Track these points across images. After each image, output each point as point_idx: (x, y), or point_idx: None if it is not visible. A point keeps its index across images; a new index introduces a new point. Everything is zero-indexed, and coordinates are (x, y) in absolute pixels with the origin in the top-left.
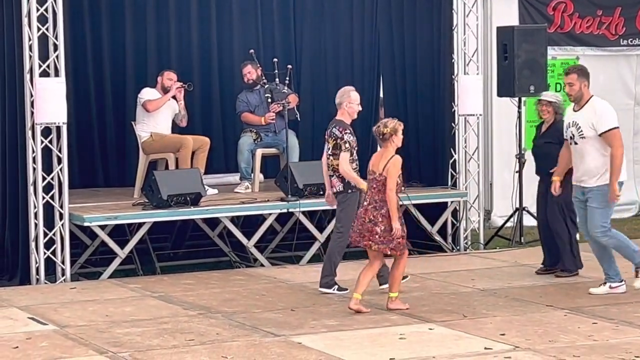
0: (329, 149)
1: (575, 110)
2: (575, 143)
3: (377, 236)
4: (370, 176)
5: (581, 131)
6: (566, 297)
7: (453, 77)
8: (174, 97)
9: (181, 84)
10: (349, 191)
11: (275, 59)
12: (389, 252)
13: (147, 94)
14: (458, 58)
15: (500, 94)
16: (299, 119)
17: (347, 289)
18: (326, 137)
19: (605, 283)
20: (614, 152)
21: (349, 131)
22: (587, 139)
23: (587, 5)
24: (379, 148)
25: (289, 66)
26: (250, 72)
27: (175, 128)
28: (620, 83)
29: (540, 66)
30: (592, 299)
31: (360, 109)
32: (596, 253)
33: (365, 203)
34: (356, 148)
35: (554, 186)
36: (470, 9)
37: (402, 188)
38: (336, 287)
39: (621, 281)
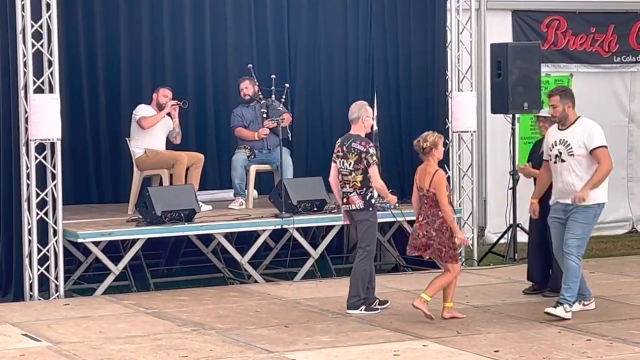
0: (349, 164)
1: (560, 129)
2: (562, 160)
3: (435, 250)
4: (420, 192)
5: (570, 149)
6: None
7: (447, 94)
8: (168, 114)
9: (176, 101)
10: (370, 209)
11: (274, 76)
12: (446, 262)
13: (143, 110)
14: (452, 75)
15: (494, 111)
16: (290, 138)
17: (378, 310)
18: (340, 152)
19: (578, 302)
20: (601, 167)
21: (372, 144)
22: (576, 157)
23: (581, 22)
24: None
25: (287, 85)
26: (247, 87)
27: (170, 144)
28: (614, 100)
29: (533, 83)
30: (586, 316)
31: (373, 122)
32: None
33: (419, 218)
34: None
35: (534, 209)
36: (464, 26)
37: (396, 205)
38: (363, 307)
39: (592, 298)
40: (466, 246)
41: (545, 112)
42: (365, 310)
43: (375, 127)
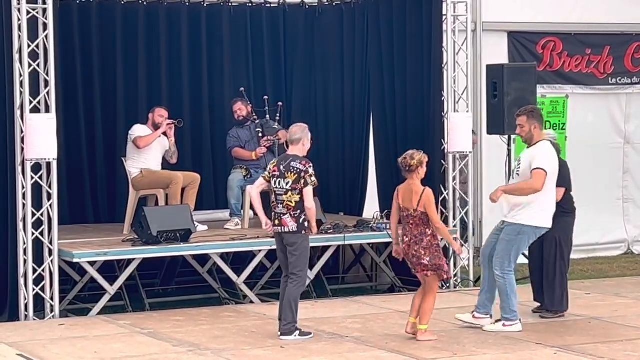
0: (286, 183)
1: (527, 148)
2: (513, 178)
3: (427, 267)
4: (405, 212)
5: (519, 167)
6: (556, 335)
7: (443, 114)
8: (164, 134)
9: (172, 120)
10: (303, 232)
11: (266, 97)
12: (445, 277)
13: (138, 130)
14: (448, 96)
15: (490, 132)
16: None
17: (310, 334)
18: (276, 172)
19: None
20: (527, 182)
21: (311, 165)
22: (521, 176)
23: (576, 44)
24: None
25: (280, 103)
26: (241, 108)
27: (166, 164)
28: (609, 121)
29: (529, 104)
30: (582, 337)
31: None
32: (483, 279)
33: (406, 239)
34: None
35: (496, 193)
36: (460, 47)
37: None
38: (297, 332)
39: (515, 320)
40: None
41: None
42: (299, 335)
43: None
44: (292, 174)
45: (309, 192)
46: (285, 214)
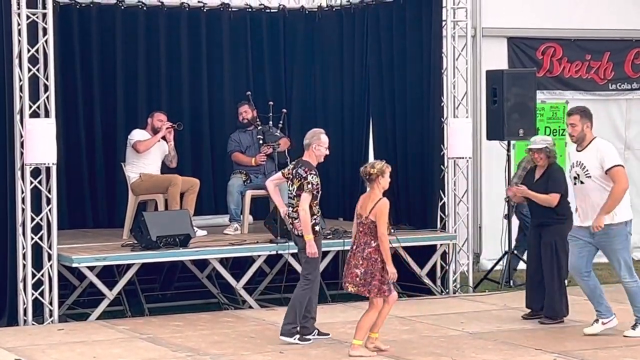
0: (293, 189)
1: (578, 151)
2: (582, 182)
3: (357, 278)
4: (357, 219)
5: (587, 170)
6: (555, 340)
7: (442, 120)
8: (163, 138)
9: (171, 124)
10: (313, 236)
11: (271, 102)
12: (367, 295)
13: (137, 135)
14: (447, 101)
15: (489, 137)
16: (289, 162)
17: (310, 340)
18: (290, 175)
19: (597, 320)
20: (615, 188)
21: (314, 172)
22: (593, 178)
23: (576, 49)
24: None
25: (284, 110)
26: (247, 111)
27: (165, 169)
28: (610, 127)
29: (529, 110)
30: (581, 342)
31: (328, 152)
32: (587, 293)
33: (353, 247)
34: (320, 192)
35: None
36: (459, 53)
37: (391, 231)
38: (297, 336)
39: (612, 315)
40: (394, 280)
41: (537, 142)
42: (299, 339)
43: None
44: (297, 180)
45: (303, 198)
46: (297, 217)
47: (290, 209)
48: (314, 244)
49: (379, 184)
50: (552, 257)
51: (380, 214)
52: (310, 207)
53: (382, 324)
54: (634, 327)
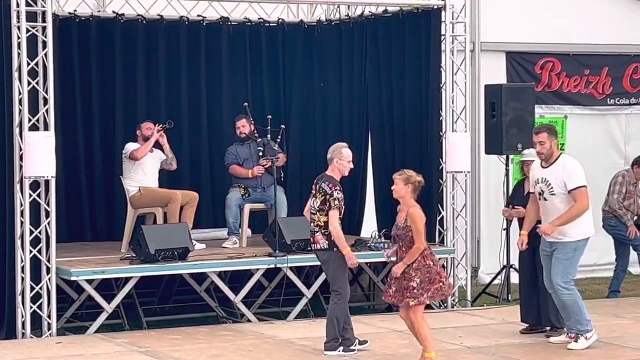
0: (316, 204)
1: (543, 167)
2: (545, 199)
3: (415, 291)
4: (394, 232)
5: (552, 188)
6: (554, 355)
7: (441, 134)
8: (157, 144)
9: (161, 126)
10: (335, 249)
11: (270, 116)
12: (429, 302)
13: (132, 147)
14: (446, 116)
15: (488, 152)
16: (283, 179)
17: (355, 350)
18: (313, 191)
19: (578, 337)
20: (575, 206)
21: (338, 188)
22: (557, 196)
23: (575, 64)
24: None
25: (283, 126)
26: (245, 125)
27: (164, 181)
28: (610, 142)
29: (528, 124)
30: (580, 357)
31: (352, 167)
32: (560, 306)
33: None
34: (344, 207)
35: (522, 241)
36: (458, 67)
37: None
38: (341, 348)
39: (592, 329)
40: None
41: (532, 154)
42: (343, 351)
43: None
44: (321, 195)
45: (332, 215)
46: (318, 231)
47: (313, 224)
48: (352, 255)
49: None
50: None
51: (413, 224)
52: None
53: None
54: (577, 339)
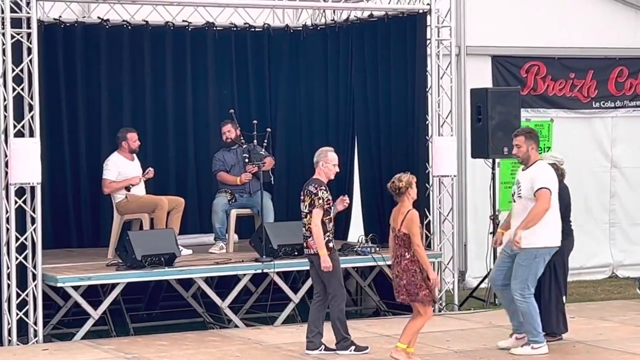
0: (305, 207)
1: (523, 170)
2: (514, 201)
3: (403, 289)
4: (392, 233)
5: (520, 190)
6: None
7: (427, 138)
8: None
9: (146, 175)
10: (328, 252)
11: (255, 121)
12: (416, 304)
13: (112, 165)
14: (432, 119)
15: (474, 155)
16: (272, 182)
17: (367, 348)
18: (302, 196)
19: (529, 344)
20: (535, 206)
21: (324, 188)
22: (524, 199)
23: (560, 68)
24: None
25: (268, 129)
26: (230, 130)
27: (150, 185)
28: (595, 145)
29: (513, 128)
30: None
31: (338, 170)
32: (504, 304)
33: (392, 260)
34: (332, 207)
35: (496, 238)
36: (444, 71)
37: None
38: (353, 347)
39: (542, 341)
40: (436, 287)
41: (545, 159)
42: (355, 350)
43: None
44: (308, 197)
45: (315, 213)
46: (310, 236)
47: (304, 229)
48: (328, 259)
49: (409, 195)
50: (550, 275)
51: (411, 224)
52: (324, 223)
53: (415, 337)
54: (524, 345)
